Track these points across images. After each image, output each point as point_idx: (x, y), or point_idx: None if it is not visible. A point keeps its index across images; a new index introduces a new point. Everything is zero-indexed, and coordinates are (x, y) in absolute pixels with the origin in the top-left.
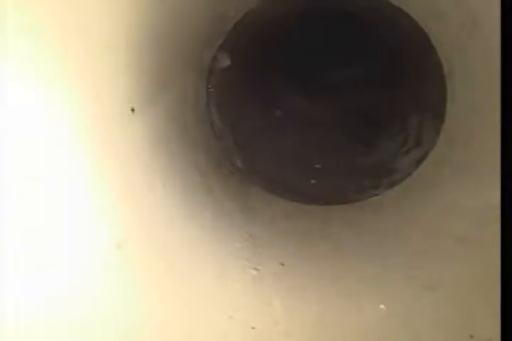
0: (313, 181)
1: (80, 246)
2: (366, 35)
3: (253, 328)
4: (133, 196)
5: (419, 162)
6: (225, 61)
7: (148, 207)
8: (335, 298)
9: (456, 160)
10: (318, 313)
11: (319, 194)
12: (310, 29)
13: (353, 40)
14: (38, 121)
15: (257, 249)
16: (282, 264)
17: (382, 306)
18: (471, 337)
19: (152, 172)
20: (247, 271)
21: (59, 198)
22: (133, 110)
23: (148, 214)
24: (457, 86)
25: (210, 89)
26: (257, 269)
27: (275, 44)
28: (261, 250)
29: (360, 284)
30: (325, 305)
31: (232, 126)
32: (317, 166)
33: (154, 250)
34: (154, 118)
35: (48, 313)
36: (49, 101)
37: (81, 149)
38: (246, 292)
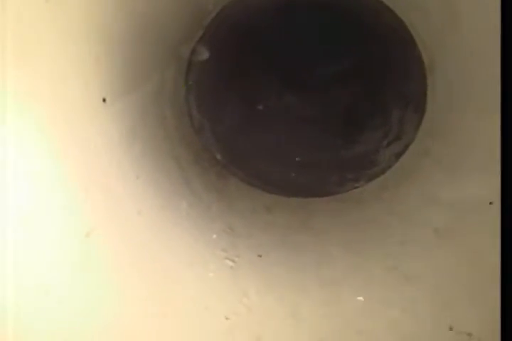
0: (293, 174)
1: (49, 234)
2: (348, 28)
3: (227, 319)
4: (103, 186)
5: (399, 155)
6: (204, 54)
7: (119, 197)
8: (312, 288)
9: (436, 153)
10: (294, 304)
11: (300, 186)
12: (290, 21)
13: (335, 33)
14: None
15: (235, 240)
16: (260, 256)
17: (360, 298)
18: (451, 328)
19: (124, 163)
20: (223, 262)
21: (28, 188)
22: (104, 100)
23: (118, 203)
24: (438, 80)
25: (189, 82)
26: (233, 260)
27: (255, 36)
28: (239, 241)
29: (338, 274)
30: (302, 296)
31: (211, 119)
32: (298, 159)
33: (124, 239)
34: (128, 109)
35: (16, 301)
36: (16, 93)
37: (50, 138)
38: (222, 283)
